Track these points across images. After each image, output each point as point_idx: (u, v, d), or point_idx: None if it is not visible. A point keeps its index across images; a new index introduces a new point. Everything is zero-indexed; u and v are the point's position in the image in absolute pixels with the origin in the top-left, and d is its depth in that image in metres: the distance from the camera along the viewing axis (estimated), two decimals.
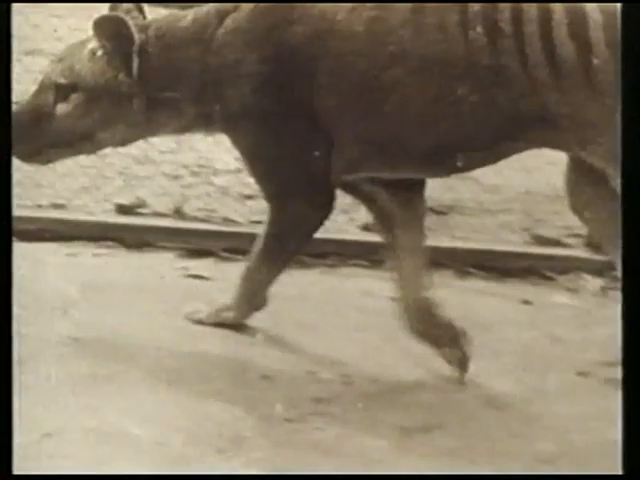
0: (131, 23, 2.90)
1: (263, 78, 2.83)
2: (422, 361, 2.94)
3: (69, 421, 2.57)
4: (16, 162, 3.96)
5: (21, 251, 3.57)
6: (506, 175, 3.92)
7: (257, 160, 2.94)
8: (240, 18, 2.86)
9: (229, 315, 3.08)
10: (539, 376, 2.93)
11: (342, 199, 4.03)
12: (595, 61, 2.64)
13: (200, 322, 3.08)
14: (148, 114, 2.94)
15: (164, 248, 3.64)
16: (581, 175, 2.85)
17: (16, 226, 3.69)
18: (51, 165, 4.04)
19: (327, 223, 3.87)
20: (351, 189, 3.09)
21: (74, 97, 2.91)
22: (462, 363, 2.87)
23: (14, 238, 3.66)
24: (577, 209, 2.92)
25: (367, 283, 3.50)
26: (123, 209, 3.86)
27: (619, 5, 2.45)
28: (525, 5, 2.67)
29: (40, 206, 3.90)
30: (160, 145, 4.15)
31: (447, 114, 2.74)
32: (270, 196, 2.96)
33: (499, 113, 2.72)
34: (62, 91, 2.92)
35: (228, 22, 2.87)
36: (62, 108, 2.92)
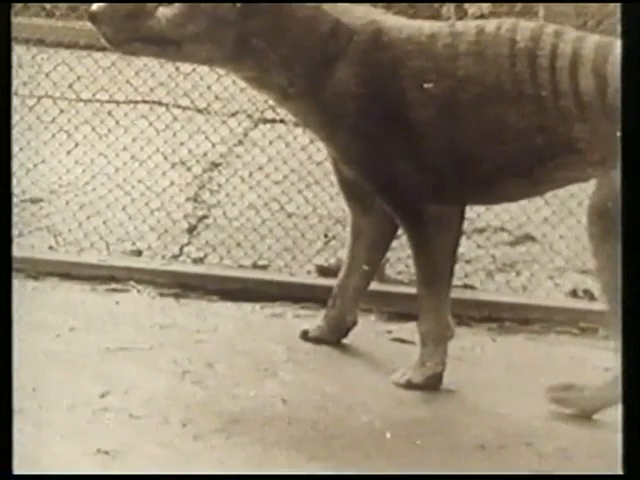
0: None
1: (364, 99, 3.01)
2: None
3: None
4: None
5: (226, 310, 3.64)
6: None
7: (375, 175, 3.06)
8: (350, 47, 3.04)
9: (431, 364, 3.07)
10: None
11: (550, 264, 3.97)
12: (610, 92, 2.84)
13: (408, 384, 3.05)
14: (237, 49, 3.04)
15: (366, 311, 3.61)
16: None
17: (222, 286, 3.79)
18: (252, 226, 4.17)
19: (533, 288, 3.84)
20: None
21: (177, 5, 3.02)
22: None
23: (218, 297, 3.75)
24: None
25: (576, 351, 3.40)
26: (324, 270, 3.87)
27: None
28: (562, 42, 2.92)
29: (242, 266, 3.95)
30: None
31: (499, 140, 2.97)
32: (401, 210, 3.08)
33: (536, 141, 2.94)
34: None
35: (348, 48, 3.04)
36: (163, 11, 3.03)
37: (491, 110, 2.96)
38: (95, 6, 3.09)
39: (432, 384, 3.06)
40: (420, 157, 3.01)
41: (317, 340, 3.35)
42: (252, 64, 3.08)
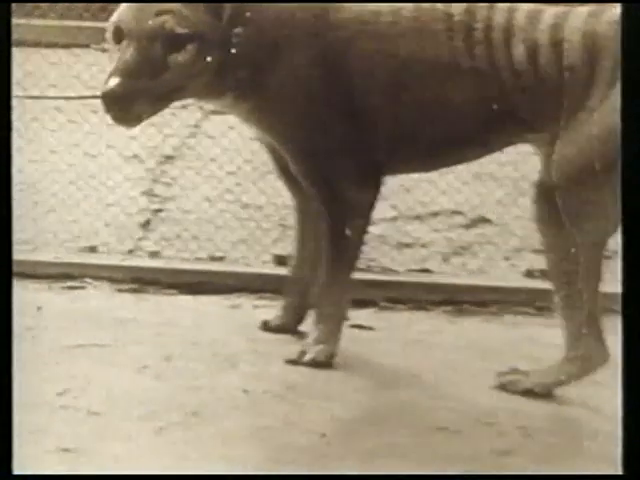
0: None
1: (311, 80, 2.99)
2: (598, 408, 2.86)
3: None
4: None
5: (185, 304, 3.64)
6: None
7: (303, 154, 3.05)
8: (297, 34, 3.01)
9: (331, 342, 3.11)
10: None
11: (505, 245, 3.99)
12: (541, 60, 2.90)
13: (312, 362, 3.09)
14: (218, 67, 2.94)
15: None
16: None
17: (179, 279, 3.78)
18: (207, 218, 4.16)
19: (489, 270, 3.86)
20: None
21: (190, 47, 2.86)
22: None
23: (176, 291, 3.74)
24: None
25: (533, 331, 3.43)
26: (281, 260, 3.87)
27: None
28: (495, 14, 2.95)
29: (199, 259, 3.94)
30: None
31: (440, 115, 3.01)
32: (319, 184, 3.07)
33: (477, 113, 2.99)
34: (178, 41, 2.85)
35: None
36: (176, 59, 2.86)
37: (432, 86, 2.98)
38: (113, 84, 2.80)
39: (330, 362, 3.10)
40: (361, 136, 3.03)
41: (278, 329, 3.35)
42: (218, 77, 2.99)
